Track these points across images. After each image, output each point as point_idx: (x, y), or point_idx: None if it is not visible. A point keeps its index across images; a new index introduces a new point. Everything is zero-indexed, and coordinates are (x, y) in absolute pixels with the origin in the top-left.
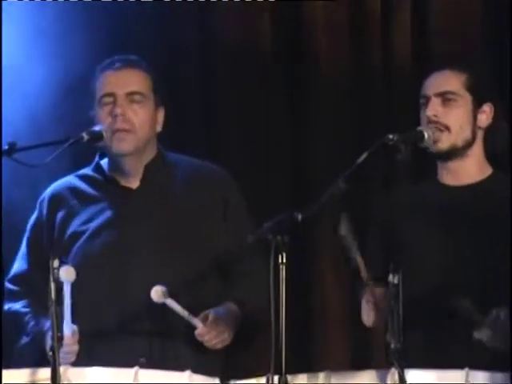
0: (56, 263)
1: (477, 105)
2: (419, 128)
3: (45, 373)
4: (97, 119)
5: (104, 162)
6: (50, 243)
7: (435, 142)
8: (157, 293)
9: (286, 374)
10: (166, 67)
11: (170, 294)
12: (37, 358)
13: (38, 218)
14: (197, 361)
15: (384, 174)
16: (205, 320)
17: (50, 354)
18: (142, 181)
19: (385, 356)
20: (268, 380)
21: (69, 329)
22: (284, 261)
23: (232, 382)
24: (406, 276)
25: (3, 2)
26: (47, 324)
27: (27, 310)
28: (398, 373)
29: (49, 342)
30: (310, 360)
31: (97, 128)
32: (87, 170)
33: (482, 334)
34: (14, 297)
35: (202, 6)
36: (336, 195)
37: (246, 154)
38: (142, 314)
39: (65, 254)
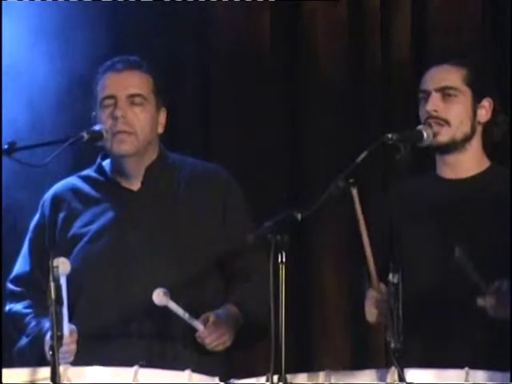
0: (56, 262)
1: (476, 100)
2: (418, 127)
3: (45, 372)
4: (98, 121)
5: (106, 163)
6: (51, 244)
7: (435, 134)
8: (158, 296)
9: (285, 373)
10: (165, 68)
11: (171, 295)
12: (36, 358)
13: (40, 219)
14: (197, 361)
15: (383, 173)
16: (205, 322)
17: (50, 353)
18: (143, 182)
19: (384, 355)
20: (268, 379)
21: (66, 328)
22: (284, 260)
23: (232, 381)
24: (406, 273)
25: (5, 2)
26: (47, 325)
27: (28, 311)
28: (398, 372)
29: (48, 343)
30: (309, 359)
31: (97, 127)
32: (89, 171)
33: (485, 301)
34: (16, 298)
35: (202, 6)
36: (335, 195)
37: (245, 154)
38: (143, 315)
39: (66, 255)
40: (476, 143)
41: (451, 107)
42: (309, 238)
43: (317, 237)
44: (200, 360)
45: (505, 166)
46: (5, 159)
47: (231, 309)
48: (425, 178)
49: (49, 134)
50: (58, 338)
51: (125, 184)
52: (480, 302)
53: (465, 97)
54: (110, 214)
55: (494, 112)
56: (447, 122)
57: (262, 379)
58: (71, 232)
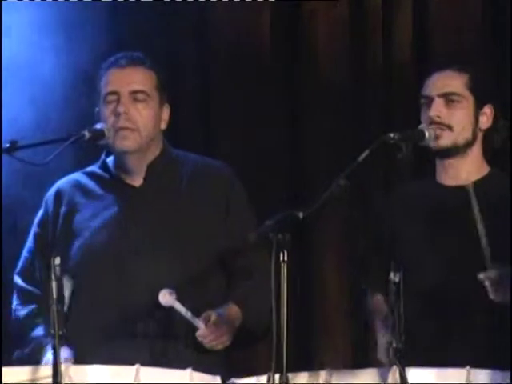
0: (57, 261)
1: (479, 106)
2: (420, 127)
3: (46, 370)
4: (101, 116)
5: (110, 160)
6: (54, 239)
7: (437, 138)
8: (165, 296)
9: (286, 372)
10: (164, 66)
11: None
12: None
13: (43, 215)
14: (198, 360)
15: (384, 172)
16: (207, 321)
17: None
18: (145, 179)
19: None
20: (269, 379)
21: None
22: (285, 259)
23: (233, 380)
24: (406, 275)
25: (6, 2)
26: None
27: (30, 319)
28: (399, 371)
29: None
30: (310, 358)
31: (98, 126)
32: (94, 168)
33: (487, 274)
34: (24, 297)
35: (202, 6)
36: (336, 193)
37: (245, 154)
38: (145, 312)
39: (67, 251)
40: (476, 149)
41: (454, 113)
42: (310, 237)
43: (318, 236)
44: (201, 359)
45: (504, 172)
46: (6, 158)
47: (232, 308)
48: (424, 184)
49: (53, 131)
50: (60, 337)
51: (127, 180)
52: (481, 275)
53: (467, 103)
54: (112, 210)
55: (495, 119)
56: (450, 128)
57: (263, 378)
58: (73, 227)
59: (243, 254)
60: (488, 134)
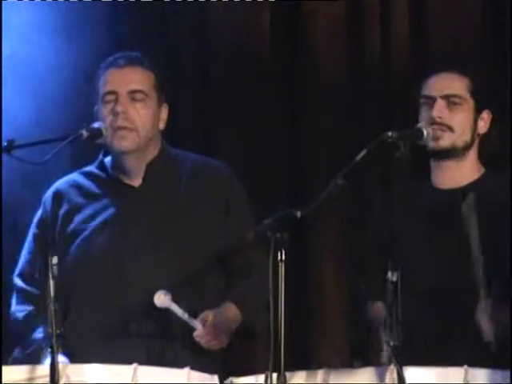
0: (55, 260)
1: (478, 111)
2: (418, 126)
3: (44, 369)
4: (99, 116)
5: (108, 160)
6: (53, 239)
7: (437, 139)
8: (160, 298)
9: (284, 371)
10: (164, 66)
11: (172, 291)
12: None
13: (42, 215)
14: (196, 359)
15: (383, 171)
16: (204, 322)
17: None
18: (144, 179)
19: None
20: (266, 378)
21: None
22: (283, 258)
23: (231, 379)
24: (404, 275)
25: (6, 2)
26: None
27: (30, 321)
28: (397, 370)
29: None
30: (308, 357)
31: (96, 125)
32: (91, 168)
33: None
34: (23, 298)
35: (201, 5)
36: (334, 192)
37: (245, 153)
38: (144, 312)
39: (66, 251)
40: (473, 153)
41: (456, 115)
42: (308, 236)
43: (316, 235)
44: (199, 358)
45: (499, 175)
46: (5, 156)
47: (231, 308)
48: (420, 186)
49: (53, 130)
50: (58, 336)
51: (126, 180)
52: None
53: (468, 106)
54: (111, 210)
55: (492, 124)
56: (451, 129)
57: (261, 377)
58: (72, 227)
59: (242, 253)
60: (484, 138)
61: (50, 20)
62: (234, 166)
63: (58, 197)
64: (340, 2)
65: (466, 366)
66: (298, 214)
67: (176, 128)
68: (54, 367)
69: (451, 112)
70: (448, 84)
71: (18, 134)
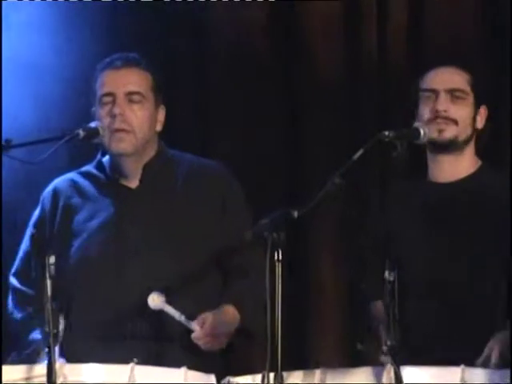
0: (52, 259)
1: (477, 106)
2: (415, 125)
3: (41, 369)
4: (97, 117)
5: (106, 160)
6: (51, 239)
7: (441, 131)
8: (154, 300)
9: (281, 371)
10: (163, 66)
11: (169, 292)
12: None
13: (40, 214)
14: (193, 358)
15: (380, 171)
16: (202, 324)
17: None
18: (141, 180)
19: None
20: (263, 377)
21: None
22: (280, 258)
23: (228, 379)
24: (401, 273)
25: (6, 2)
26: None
27: (27, 321)
28: (394, 370)
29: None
30: (305, 357)
31: (92, 124)
32: (89, 168)
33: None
34: (19, 298)
35: (200, 5)
36: (332, 192)
37: (243, 153)
38: (141, 312)
39: (64, 251)
40: (471, 148)
41: (459, 108)
42: (306, 236)
43: (314, 234)
44: (196, 357)
45: (495, 168)
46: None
47: (229, 309)
48: (417, 182)
49: (53, 130)
50: (54, 336)
51: (123, 182)
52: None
53: (469, 101)
54: (108, 211)
55: (486, 120)
56: (455, 122)
57: (258, 377)
58: (70, 227)
59: (239, 253)
60: (480, 133)
61: (50, 20)
62: (232, 165)
63: (57, 196)
64: (337, 2)
65: (462, 366)
66: (295, 213)
67: (174, 128)
68: (50, 367)
69: (454, 105)
70: (451, 78)
71: (18, 134)
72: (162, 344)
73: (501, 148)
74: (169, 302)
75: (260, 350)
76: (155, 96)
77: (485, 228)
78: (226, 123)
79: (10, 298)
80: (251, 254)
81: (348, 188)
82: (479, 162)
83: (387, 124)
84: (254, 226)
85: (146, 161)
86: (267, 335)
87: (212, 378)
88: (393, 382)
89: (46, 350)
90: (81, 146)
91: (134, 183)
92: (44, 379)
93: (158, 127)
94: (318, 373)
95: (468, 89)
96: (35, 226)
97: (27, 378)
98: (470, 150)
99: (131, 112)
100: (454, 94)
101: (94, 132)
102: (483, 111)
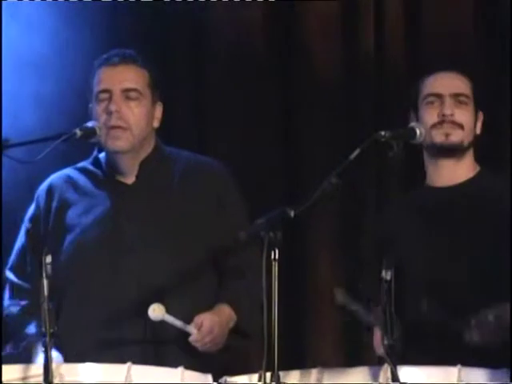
0: (49, 259)
1: (477, 111)
2: (411, 125)
3: (37, 368)
4: (93, 114)
5: (102, 156)
6: (46, 235)
7: (447, 135)
8: (154, 311)
9: (278, 370)
10: (160, 64)
11: (165, 289)
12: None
13: (35, 210)
14: (189, 358)
15: (377, 171)
16: (199, 326)
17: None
18: (137, 176)
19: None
20: (260, 377)
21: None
22: (277, 257)
23: (225, 378)
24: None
25: (6, 2)
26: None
27: (22, 315)
28: (391, 369)
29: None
30: (302, 357)
31: (90, 124)
32: (85, 163)
33: (470, 336)
34: (16, 293)
35: (200, 5)
36: (328, 191)
37: (240, 153)
38: (135, 310)
39: (59, 247)
40: (471, 153)
41: (463, 113)
42: (303, 235)
43: (311, 233)
44: (193, 357)
45: (494, 173)
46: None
47: (225, 309)
48: (415, 186)
49: (54, 130)
50: (51, 335)
51: (119, 178)
52: (466, 337)
53: (472, 106)
54: (104, 206)
55: (483, 125)
56: (461, 127)
57: (255, 376)
58: (64, 222)
59: (236, 252)
60: (477, 139)
61: (50, 20)
62: (229, 164)
63: (52, 191)
64: (335, 2)
65: (459, 366)
66: (292, 213)
67: (171, 126)
68: (47, 367)
69: (459, 110)
70: (454, 83)
71: (18, 134)
72: (158, 343)
73: (500, 153)
74: (165, 301)
75: (257, 350)
76: (152, 93)
77: (484, 232)
78: (224, 122)
79: (6, 292)
80: (248, 254)
81: (345, 187)
82: (478, 168)
83: (384, 124)
84: (249, 226)
85: (143, 157)
86: (264, 335)
87: (209, 378)
88: (390, 381)
89: (43, 348)
90: (82, 146)
91: (130, 179)
92: (40, 379)
93: (155, 124)
94: (314, 372)
95: (470, 94)
96: (30, 221)
97: (24, 378)
98: (469, 155)
99: (128, 109)
100: (458, 99)
101: (91, 132)
102: (481, 117)
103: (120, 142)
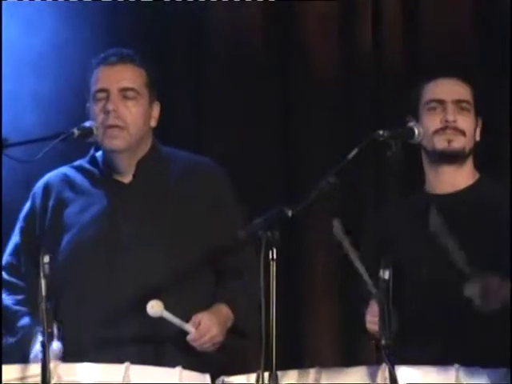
0: (46, 258)
1: (477, 118)
2: (409, 124)
3: (35, 368)
4: (90, 114)
5: (99, 155)
6: (42, 234)
7: (449, 141)
8: (153, 307)
9: (276, 370)
10: (158, 64)
11: (162, 288)
12: (21, 358)
13: (30, 208)
14: (187, 358)
15: (375, 170)
16: (197, 325)
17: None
18: (134, 175)
19: (376, 352)
20: (258, 377)
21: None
22: (274, 257)
23: (223, 378)
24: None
25: (6, 2)
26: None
27: (18, 308)
28: (389, 369)
29: (35, 346)
30: (300, 356)
31: (87, 124)
32: (82, 162)
33: (470, 290)
34: (9, 288)
35: (200, 5)
36: (326, 190)
37: (239, 153)
38: (132, 309)
39: (55, 246)
40: (470, 160)
41: (465, 120)
42: (300, 235)
43: (309, 233)
44: (191, 357)
45: (493, 180)
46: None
47: (223, 309)
48: (414, 194)
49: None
50: (49, 335)
51: (116, 177)
52: (466, 291)
53: (473, 113)
54: (101, 205)
55: (481, 132)
56: (463, 133)
57: (253, 376)
58: (61, 221)
59: (233, 253)
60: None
61: (50, 20)
62: (226, 164)
63: (48, 190)
64: (334, 2)
65: (457, 365)
66: (289, 212)
67: (168, 126)
68: (45, 366)
69: (461, 116)
70: (455, 89)
71: (17, 134)
72: (156, 343)
73: (499, 160)
74: (162, 300)
75: (254, 350)
76: (149, 92)
77: (484, 239)
78: (223, 122)
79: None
80: (245, 254)
81: (343, 187)
82: (477, 175)
83: (382, 123)
84: (247, 226)
85: (140, 156)
86: (262, 334)
87: (207, 378)
88: (387, 381)
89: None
90: (80, 146)
91: (127, 178)
92: (38, 379)
93: (153, 123)
94: (312, 372)
95: (471, 100)
96: (25, 219)
97: (21, 378)
98: (470, 162)
99: (125, 108)
100: (460, 106)
101: (89, 131)
102: (481, 124)
103: (117, 141)
